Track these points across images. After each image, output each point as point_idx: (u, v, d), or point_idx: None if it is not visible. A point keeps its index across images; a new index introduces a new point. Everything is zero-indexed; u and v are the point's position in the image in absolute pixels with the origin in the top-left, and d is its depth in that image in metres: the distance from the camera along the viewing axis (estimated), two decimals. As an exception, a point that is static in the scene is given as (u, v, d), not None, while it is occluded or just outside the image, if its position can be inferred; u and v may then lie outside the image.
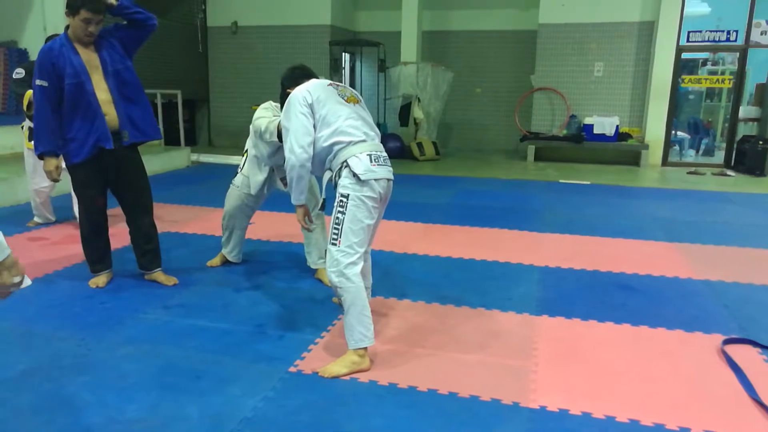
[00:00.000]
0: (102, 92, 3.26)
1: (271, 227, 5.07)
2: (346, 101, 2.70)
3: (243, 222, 3.97)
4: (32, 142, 4.54)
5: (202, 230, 4.98)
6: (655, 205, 6.49)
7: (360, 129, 2.65)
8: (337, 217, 2.61)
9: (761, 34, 9.30)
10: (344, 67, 11.44)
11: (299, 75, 2.90)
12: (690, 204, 6.61)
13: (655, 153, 9.88)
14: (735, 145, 9.65)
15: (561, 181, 8.00)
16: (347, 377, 2.55)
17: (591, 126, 9.86)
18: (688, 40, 9.67)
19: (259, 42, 10.84)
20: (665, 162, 10.04)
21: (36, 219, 5.04)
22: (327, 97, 2.66)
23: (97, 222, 3.53)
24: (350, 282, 2.57)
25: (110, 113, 3.29)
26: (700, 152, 11.33)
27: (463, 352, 2.80)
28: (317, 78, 2.88)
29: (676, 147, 11.15)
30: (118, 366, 2.61)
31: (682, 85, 10.34)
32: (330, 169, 2.71)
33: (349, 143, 2.61)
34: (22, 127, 4.92)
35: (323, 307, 3.34)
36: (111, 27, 3.37)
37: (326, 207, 2.88)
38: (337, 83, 2.81)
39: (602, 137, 9.82)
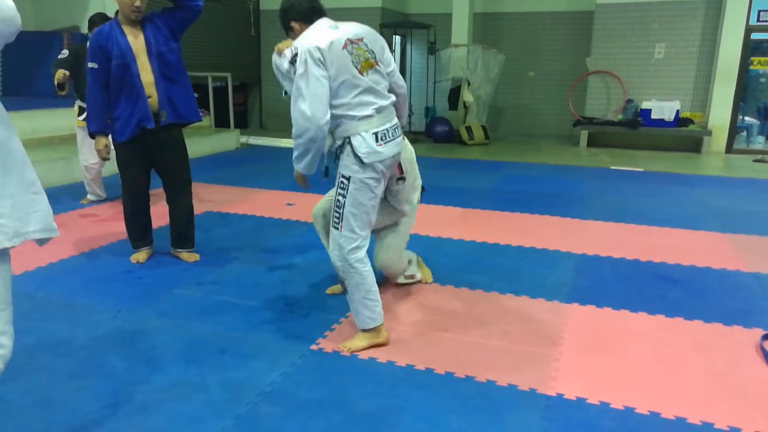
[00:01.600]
0: (146, 73, 3.38)
1: (308, 208, 5.13)
2: (360, 71, 2.44)
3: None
4: (81, 118, 4.78)
5: (244, 210, 5.09)
6: (713, 193, 6.18)
7: (370, 104, 2.46)
8: (338, 200, 2.52)
9: (840, 12, 8.63)
10: (395, 50, 11.37)
11: (310, 9, 2.54)
12: (752, 193, 6.27)
13: (718, 139, 9.39)
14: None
15: (612, 167, 7.73)
16: (366, 356, 2.57)
17: (648, 111, 9.46)
18: (758, 20, 9.08)
19: (310, 25, 10.90)
20: (730, 149, 9.52)
21: (89, 196, 5.28)
22: (340, 68, 2.39)
23: (139, 200, 3.67)
24: (352, 267, 2.53)
25: (152, 94, 3.42)
26: (770, 139, 10.68)
27: (485, 338, 2.77)
28: (326, 16, 2.57)
29: (743, 133, 10.54)
30: (148, 338, 2.72)
31: (752, 67, 9.74)
32: (332, 135, 2.55)
33: (354, 117, 2.45)
34: (74, 105, 5.15)
35: (351, 288, 3.36)
36: (159, 11, 3.48)
37: (328, 174, 2.68)
38: (352, 40, 2.46)
39: (660, 122, 9.41)
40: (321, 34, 2.41)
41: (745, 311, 3.10)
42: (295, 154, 2.54)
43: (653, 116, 9.44)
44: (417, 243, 4.19)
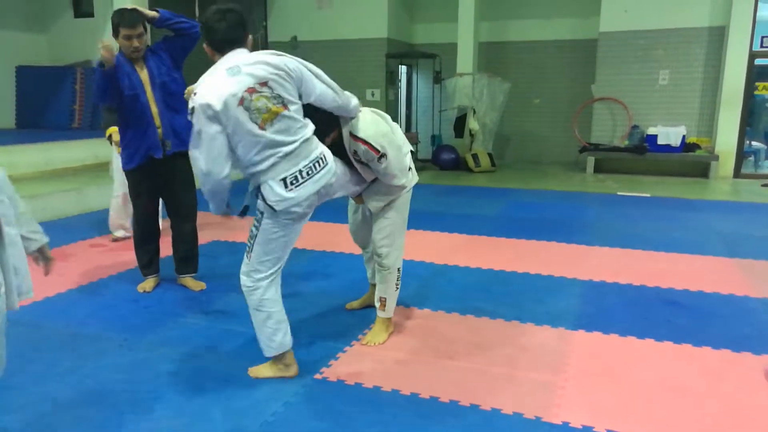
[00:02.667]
0: (153, 104, 3.47)
1: (313, 236, 5.16)
2: (261, 126, 2.28)
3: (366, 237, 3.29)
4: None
5: (251, 239, 5.12)
6: (721, 218, 6.16)
7: (274, 154, 2.32)
8: (252, 230, 2.49)
9: (844, 37, 8.69)
10: (400, 80, 11.52)
11: (223, 40, 2.34)
12: (760, 218, 6.24)
13: (726, 164, 9.38)
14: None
15: (619, 193, 7.72)
16: (370, 385, 2.56)
17: (655, 136, 9.48)
18: (762, 45, 9.15)
19: (317, 56, 11.09)
20: (738, 174, 9.51)
21: (116, 233, 5.03)
22: (237, 127, 2.26)
23: (147, 227, 3.73)
24: (252, 294, 2.52)
25: (158, 125, 3.49)
26: (779, 163, 10.65)
27: (490, 365, 2.75)
28: (242, 46, 2.38)
29: (751, 158, 10.54)
30: (154, 366, 2.73)
31: (757, 92, 9.78)
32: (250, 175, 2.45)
33: (259, 171, 2.36)
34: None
35: (356, 316, 3.36)
36: (160, 41, 3.57)
37: (247, 212, 2.63)
38: (253, 88, 2.25)
39: (667, 148, 9.42)
40: (216, 86, 2.25)
41: (754, 337, 3.06)
42: (205, 196, 2.51)
43: (659, 142, 9.46)
44: (422, 269, 4.21)
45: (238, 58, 2.32)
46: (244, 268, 2.56)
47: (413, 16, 11.74)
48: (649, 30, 9.59)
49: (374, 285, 3.19)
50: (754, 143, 10.68)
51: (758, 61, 9.36)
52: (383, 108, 11.00)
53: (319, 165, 2.43)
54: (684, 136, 9.39)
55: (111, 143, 4.69)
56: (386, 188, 2.89)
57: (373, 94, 11.00)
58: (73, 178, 6.53)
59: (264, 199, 2.39)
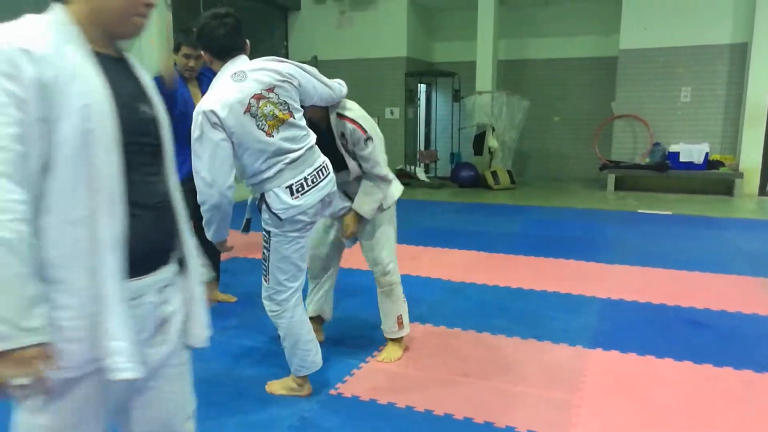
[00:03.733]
0: None
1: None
2: (268, 133, 2.26)
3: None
4: None
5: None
6: (745, 237, 6.05)
7: (280, 161, 2.30)
8: (263, 253, 2.48)
9: None
10: (419, 98, 11.60)
11: (224, 46, 2.31)
12: (784, 236, 6.12)
13: (751, 182, 9.23)
14: (843, 173, 8.84)
15: (640, 211, 7.64)
16: (384, 401, 2.56)
17: (677, 154, 9.38)
18: (785, 62, 9.04)
19: (337, 75, 11.20)
20: (763, 192, 9.35)
21: None
22: (243, 135, 2.23)
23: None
24: (281, 318, 2.52)
25: None
26: (805, 181, 10.44)
27: (506, 383, 2.74)
28: (243, 53, 2.37)
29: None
30: (171, 380, 2.76)
31: (781, 109, 9.64)
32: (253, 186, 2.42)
33: (265, 178, 2.32)
34: None
35: (371, 333, 3.37)
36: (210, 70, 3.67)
37: (248, 228, 2.66)
38: (260, 95, 2.25)
39: (690, 165, 9.31)
40: (222, 93, 2.23)
41: (776, 358, 3.00)
42: (204, 220, 2.39)
43: (682, 159, 9.35)
44: (438, 286, 4.21)
45: (242, 65, 2.31)
46: (265, 293, 2.55)
47: (432, 35, 11.85)
48: (669, 47, 9.55)
49: (317, 318, 3.15)
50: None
51: (782, 78, 9.23)
52: (403, 126, 11.08)
53: (323, 173, 2.42)
54: (707, 154, 9.27)
55: None
56: (373, 183, 2.81)
57: (392, 113, 11.09)
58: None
59: (269, 208, 2.35)
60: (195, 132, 2.22)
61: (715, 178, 9.33)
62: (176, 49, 3.50)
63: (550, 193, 9.34)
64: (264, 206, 2.38)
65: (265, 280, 2.52)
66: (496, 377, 2.80)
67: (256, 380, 2.76)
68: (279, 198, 2.33)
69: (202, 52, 2.41)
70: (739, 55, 9.24)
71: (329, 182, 2.46)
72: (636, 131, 9.99)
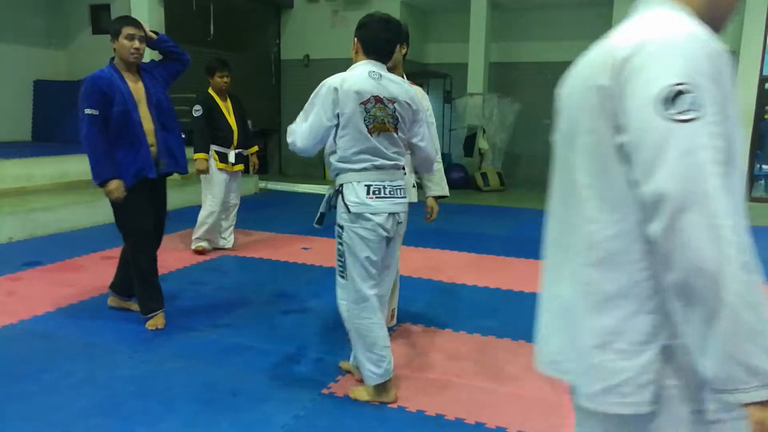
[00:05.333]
0: (147, 122, 3.27)
1: (324, 252, 5.21)
2: (370, 131, 2.39)
3: None
4: (223, 162, 4.95)
5: (261, 254, 5.17)
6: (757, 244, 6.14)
7: (368, 160, 2.42)
8: (338, 249, 2.50)
9: None
10: (412, 99, 11.63)
11: (374, 43, 2.45)
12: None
13: (736, 187, 9.38)
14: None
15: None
16: (376, 401, 2.58)
17: (665, 158, 9.50)
18: (771, 70, 9.20)
19: (329, 74, 11.16)
20: (749, 197, 9.49)
21: (204, 243, 5.08)
22: (350, 120, 2.36)
23: (152, 251, 3.41)
24: (359, 319, 2.49)
25: (153, 143, 3.30)
26: (791, 187, 10.62)
27: (497, 384, 2.77)
28: (385, 61, 2.49)
29: (762, 182, 10.52)
30: (163, 378, 2.77)
31: (766, 116, 9.79)
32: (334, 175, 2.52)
33: (350, 169, 2.43)
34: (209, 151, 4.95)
35: (365, 332, 3.40)
36: (151, 61, 3.51)
37: (323, 222, 2.63)
38: (381, 99, 2.39)
39: (677, 170, 9.43)
40: (352, 79, 2.38)
41: None
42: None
43: (670, 164, 9.46)
44: (430, 287, 4.24)
45: (381, 69, 2.46)
46: (341, 293, 2.53)
47: (425, 37, 11.89)
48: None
49: None
50: (764, 167, 10.67)
51: (768, 86, 9.40)
52: (394, 126, 11.11)
53: (400, 193, 2.51)
54: (694, 159, 9.39)
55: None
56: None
57: (383, 113, 11.11)
58: (86, 191, 6.63)
59: (343, 198, 2.42)
60: (315, 92, 2.42)
61: (701, 183, 9.45)
62: (117, 33, 3.21)
63: (541, 195, 9.37)
64: (340, 198, 2.44)
65: (342, 279, 2.51)
66: (488, 378, 2.83)
67: (251, 379, 2.78)
68: (355, 191, 2.41)
69: (356, 40, 2.49)
70: (727, 62, 9.37)
71: (403, 203, 2.54)
72: (625, 135, 10.09)
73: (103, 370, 2.84)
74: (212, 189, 4.98)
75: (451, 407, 2.54)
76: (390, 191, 2.46)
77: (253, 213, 7.40)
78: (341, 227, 2.46)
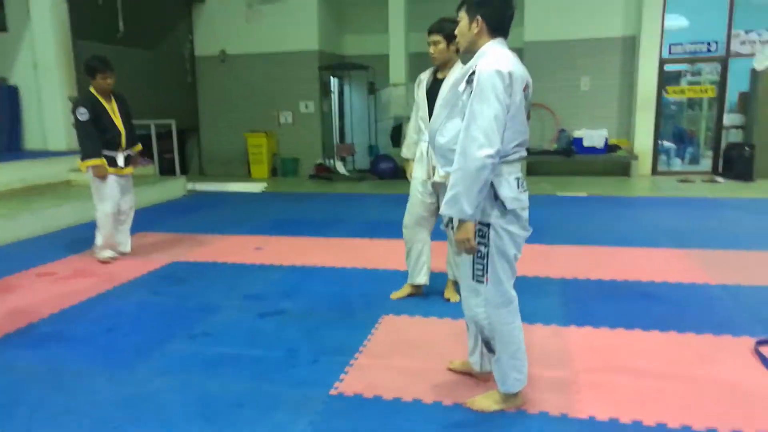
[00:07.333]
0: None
1: (278, 252, 5.04)
2: (527, 119, 2.22)
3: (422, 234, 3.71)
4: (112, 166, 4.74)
5: (212, 258, 4.91)
6: (656, 213, 6.58)
7: (518, 153, 2.23)
8: (479, 251, 2.26)
9: (741, 44, 9.56)
10: (333, 92, 11.51)
11: (505, 18, 2.23)
12: (689, 211, 6.72)
13: (644, 163, 10.05)
14: (722, 152, 9.85)
15: (558, 194, 8.08)
16: (390, 397, 2.52)
17: (580, 139, 10.01)
18: (670, 53, 9.91)
19: (247, 70, 10.88)
20: (654, 171, 10.21)
21: (108, 254, 4.80)
22: (517, 108, 2.16)
23: None
24: (504, 325, 2.31)
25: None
26: (686, 161, 11.53)
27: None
28: (506, 36, 2.27)
29: (663, 156, 11.34)
30: (154, 398, 2.56)
31: (666, 95, 10.56)
32: None
33: (505, 162, 2.19)
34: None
35: (348, 329, 3.31)
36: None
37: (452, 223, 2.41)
38: (527, 85, 2.20)
39: (592, 150, 9.97)
40: (511, 64, 2.15)
41: (727, 321, 3.29)
42: (449, 194, 2.17)
43: (585, 144, 9.98)
44: (400, 277, 4.20)
45: (509, 51, 2.21)
46: (478, 300, 2.32)
47: (343, 28, 11.78)
48: (568, 40, 10.14)
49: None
50: (664, 143, 11.52)
51: (667, 67, 10.12)
52: (319, 120, 10.94)
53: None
54: (606, 138, 9.97)
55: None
56: None
57: (306, 107, 10.92)
58: (6, 203, 6.01)
59: (496, 194, 2.18)
60: (484, 91, 2.09)
61: (614, 161, 10.06)
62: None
63: (469, 182, 9.59)
64: (489, 194, 2.18)
65: (483, 283, 2.28)
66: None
67: (248, 388, 2.62)
68: (510, 185, 2.20)
69: (478, 20, 2.21)
70: (630, 46, 10.00)
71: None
72: (543, 119, 10.52)
73: (82, 396, 2.58)
74: (102, 193, 4.69)
75: (464, 395, 2.51)
76: (525, 184, 2.29)
77: (188, 216, 7.04)
78: (487, 226, 2.22)
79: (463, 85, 2.22)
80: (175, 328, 3.36)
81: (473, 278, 2.32)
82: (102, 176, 4.60)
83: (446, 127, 2.30)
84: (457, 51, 2.90)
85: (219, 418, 2.39)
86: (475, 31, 2.23)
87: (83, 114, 4.51)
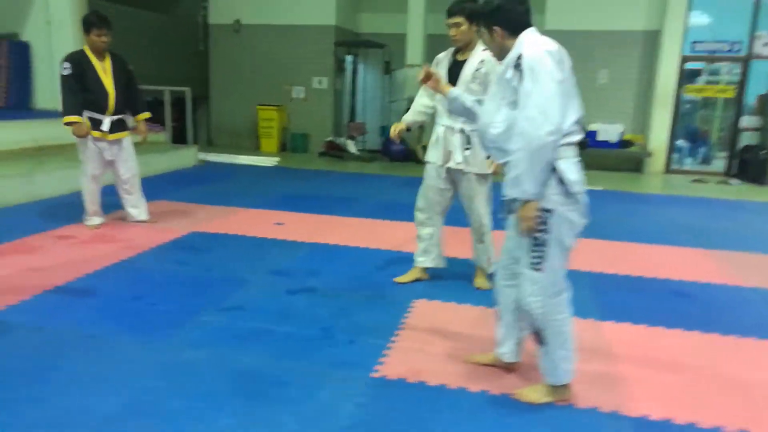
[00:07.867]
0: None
1: (300, 228, 4.96)
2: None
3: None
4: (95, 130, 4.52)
5: (232, 230, 4.81)
6: (672, 211, 6.54)
7: (574, 134, 2.16)
8: (537, 237, 2.17)
9: (763, 45, 9.47)
10: (347, 69, 11.34)
11: (524, 21, 2.22)
12: (705, 211, 6.67)
13: (657, 160, 9.99)
14: (737, 154, 9.80)
15: (573, 186, 8.00)
16: (435, 383, 2.47)
17: (595, 132, 9.93)
18: (692, 51, 9.80)
19: (262, 41, 10.68)
20: (667, 170, 10.16)
21: (95, 221, 4.69)
22: (567, 85, 2.12)
23: None
24: (558, 314, 2.26)
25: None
26: (698, 160, 11.49)
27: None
28: (531, 26, 2.24)
29: (676, 155, 11.29)
30: (195, 370, 2.49)
31: (685, 93, 10.46)
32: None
33: (564, 145, 2.12)
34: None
35: (380, 311, 3.24)
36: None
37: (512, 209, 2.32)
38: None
39: (606, 144, 9.90)
40: (552, 44, 2.13)
41: (756, 324, 3.25)
42: (511, 175, 2.13)
43: (599, 138, 9.91)
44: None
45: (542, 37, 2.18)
46: (535, 289, 2.23)
47: (360, 5, 11.58)
48: (588, 30, 10.00)
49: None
50: (679, 141, 11.45)
51: (688, 65, 10.02)
52: (332, 97, 10.79)
53: None
54: (621, 133, 9.90)
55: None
56: None
57: (320, 82, 10.76)
58: (14, 164, 5.88)
59: (561, 177, 2.11)
60: (542, 75, 2.05)
61: (627, 156, 10.00)
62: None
63: (481, 169, 9.51)
64: (551, 178, 2.12)
65: (539, 272, 2.21)
66: (528, 354, 2.78)
67: (287, 366, 2.55)
68: (573, 168, 2.15)
69: (497, 29, 2.23)
70: (651, 41, 9.88)
71: None
72: (559, 110, 10.41)
73: (118, 364, 2.51)
74: (83, 155, 4.53)
75: (512, 385, 2.47)
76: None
77: (201, 185, 6.94)
78: (548, 211, 2.14)
79: (511, 71, 2.17)
80: (203, 300, 3.28)
81: (530, 266, 2.25)
82: (80, 135, 4.37)
83: (497, 118, 2.25)
84: (478, 31, 2.79)
85: (263, 396, 2.32)
86: (499, 40, 2.25)
87: (66, 68, 4.31)
